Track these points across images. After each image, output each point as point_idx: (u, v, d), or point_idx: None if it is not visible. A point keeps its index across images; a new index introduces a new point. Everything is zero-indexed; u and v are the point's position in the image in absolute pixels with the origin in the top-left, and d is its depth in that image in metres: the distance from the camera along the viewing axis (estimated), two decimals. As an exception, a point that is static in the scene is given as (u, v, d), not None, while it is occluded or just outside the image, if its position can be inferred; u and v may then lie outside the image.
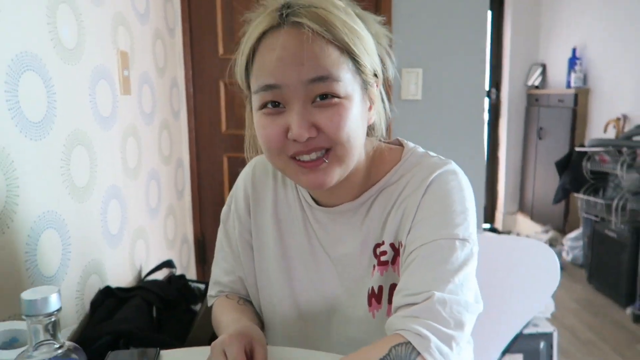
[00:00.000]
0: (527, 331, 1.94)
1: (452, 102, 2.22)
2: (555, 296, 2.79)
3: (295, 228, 0.83)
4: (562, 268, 3.52)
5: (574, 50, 3.92)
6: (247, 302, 0.90)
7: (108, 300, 1.22)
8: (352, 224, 0.78)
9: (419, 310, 0.61)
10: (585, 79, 3.88)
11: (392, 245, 0.75)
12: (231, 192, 0.92)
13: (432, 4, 2.16)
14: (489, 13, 4.59)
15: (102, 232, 1.32)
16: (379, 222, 0.76)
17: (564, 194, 3.41)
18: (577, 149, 3.26)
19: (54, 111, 1.08)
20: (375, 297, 0.76)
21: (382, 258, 0.75)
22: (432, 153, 0.79)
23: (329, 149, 0.67)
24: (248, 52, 0.68)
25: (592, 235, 3.13)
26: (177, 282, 1.47)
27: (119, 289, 1.29)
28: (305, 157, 0.67)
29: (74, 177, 1.16)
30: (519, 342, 1.95)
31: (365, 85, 0.69)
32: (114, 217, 1.39)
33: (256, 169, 0.89)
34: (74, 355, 0.50)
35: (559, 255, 3.53)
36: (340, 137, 0.66)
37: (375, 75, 0.72)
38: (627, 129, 3.27)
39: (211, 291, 0.93)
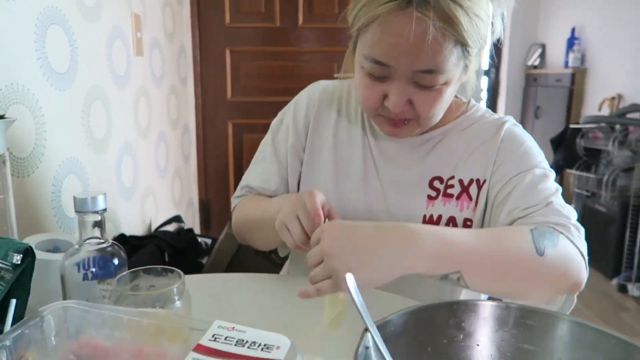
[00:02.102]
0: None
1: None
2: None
3: (352, 156, 0.88)
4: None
5: (572, 31, 3.97)
6: None
7: (123, 246, 1.31)
8: (415, 155, 0.86)
9: (544, 212, 0.69)
10: (582, 59, 3.94)
11: (460, 181, 0.82)
12: (287, 107, 0.95)
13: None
14: (491, -8, 4.61)
15: (117, 184, 1.40)
16: (447, 159, 0.84)
17: (557, 171, 3.50)
18: (572, 125, 3.34)
19: (76, 65, 1.15)
20: (432, 223, 0.82)
21: (449, 191, 0.83)
22: (490, 111, 0.89)
23: (412, 119, 0.76)
24: (367, 20, 0.69)
25: (583, 209, 3.23)
26: (186, 235, 1.56)
27: (132, 237, 1.38)
28: (392, 116, 0.75)
29: (93, 129, 1.24)
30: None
31: (467, 65, 0.73)
32: (128, 172, 1.48)
33: (324, 94, 0.93)
34: (117, 250, 0.59)
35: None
36: (427, 115, 0.74)
37: (482, 47, 0.75)
38: (621, 107, 3.35)
39: (237, 193, 0.96)
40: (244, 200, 0.94)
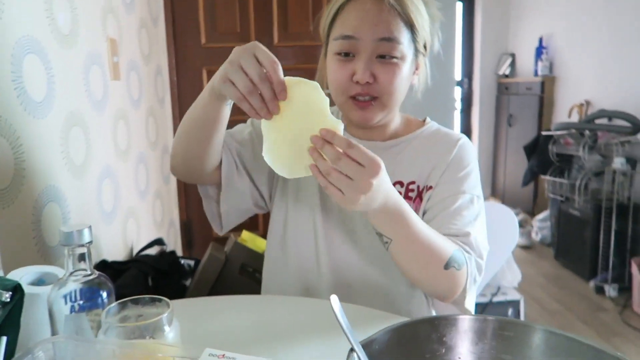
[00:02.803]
0: (496, 299, 2.09)
1: (424, 92, 2.33)
2: (523, 271, 2.96)
3: None
4: (531, 247, 3.70)
5: (540, 40, 4.09)
6: None
7: (105, 272, 1.30)
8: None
9: (461, 241, 0.84)
10: (551, 67, 4.06)
11: (418, 187, 0.94)
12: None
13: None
14: (460, 5, 4.74)
15: (97, 209, 1.39)
16: (407, 166, 0.95)
17: (531, 177, 3.59)
18: (544, 132, 3.44)
19: (54, 92, 1.15)
20: None
21: (410, 194, 0.95)
22: (444, 127, 1.02)
23: (377, 97, 0.87)
24: (337, 8, 0.87)
25: (558, 214, 3.31)
26: (168, 257, 1.55)
27: (114, 262, 1.37)
28: (360, 98, 0.87)
29: (72, 155, 1.23)
30: (488, 309, 2.10)
31: (416, 52, 0.89)
32: (108, 196, 1.47)
33: None
34: (103, 281, 0.60)
35: (529, 235, 3.72)
36: (389, 88, 0.86)
37: (425, 47, 0.92)
38: (589, 113, 3.46)
39: None
40: None
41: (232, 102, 0.79)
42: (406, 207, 0.76)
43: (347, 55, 0.86)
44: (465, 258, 0.82)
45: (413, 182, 0.94)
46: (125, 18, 1.71)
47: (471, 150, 0.96)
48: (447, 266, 0.79)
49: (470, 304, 0.86)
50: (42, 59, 1.11)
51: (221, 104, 0.79)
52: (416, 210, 0.91)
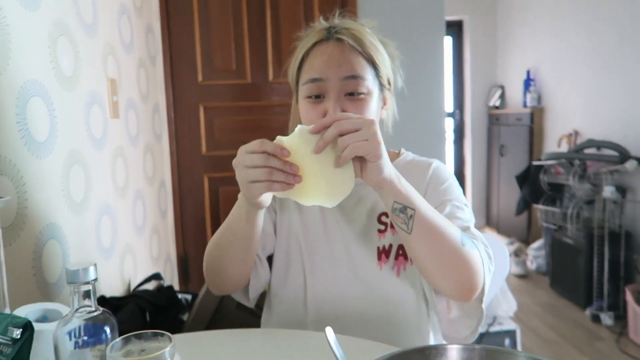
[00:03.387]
0: (492, 329, 2.10)
1: (415, 123, 2.41)
2: (519, 300, 2.96)
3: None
4: (527, 276, 3.72)
5: (528, 72, 4.21)
6: None
7: (104, 308, 1.31)
8: (360, 196, 1.00)
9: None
10: (539, 99, 4.17)
11: None
12: None
13: (391, 30, 2.36)
14: (449, 39, 4.89)
15: (96, 245, 1.41)
16: None
17: (524, 206, 3.63)
18: (534, 162, 3.50)
19: (56, 132, 1.19)
20: (385, 252, 0.97)
21: None
22: (418, 156, 1.08)
23: None
24: (302, 55, 0.94)
25: (552, 243, 3.34)
26: (165, 292, 1.56)
27: (112, 298, 1.38)
28: None
29: (72, 193, 1.26)
30: (485, 339, 2.10)
31: (381, 88, 0.96)
32: (106, 232, 1.49)
33: None
34: (107, 317, 0.62)
35: (524, 264, 3.73)
36: None
37: (389, 82, 0.98)
38: (578, 142, 3.54)
39: None
40: None
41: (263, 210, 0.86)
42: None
43: (317, 97, 0.91)
44: (472, 240, 0.83)
45: None
46: (125, 58, 1.77)
47: (444, 170, 1.02)
48: (462, 242, 0.80)
49: (485, 303, 0.87)
50: (46, 101, 1.15)
51: (255, 213, 0.84)
52: None
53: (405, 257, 0.97)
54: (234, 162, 0.77)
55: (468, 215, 0.94)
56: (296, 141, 0.74)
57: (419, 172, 1.01)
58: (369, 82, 0.91)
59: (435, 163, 1.02)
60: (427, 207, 0.79)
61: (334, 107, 0.89)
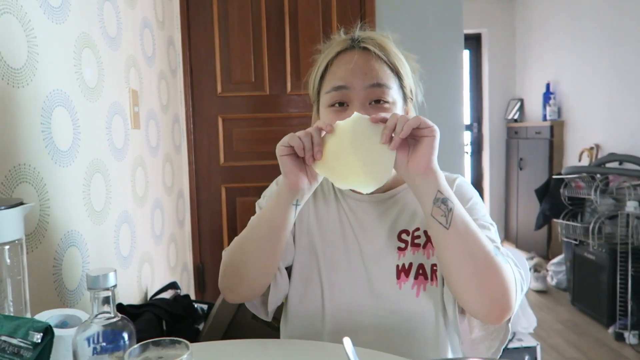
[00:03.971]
0: (512, 345, 2.05)
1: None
2: (539, 316, 2.90)
3: (330, 217, 1.01)
4: (547, 292, 3.64)
5: (547, 85, 4.17)
6: None
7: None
8: (381, 212, 0.99)
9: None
10: (559, 112, 4.12)
11: (425, 232, 0.95)
12: (270, 187, 1.07)
13: (409, 44, 2.37)
14: (467, 52, 4.88)
15: (114, 253, 1.43)
16: (408, 213, 0.98)
17: (544, 220, 3.57)
18: (554, 176, 3.45)
19: (79, 142, 1.21)
20: (404, 271, 0.94)
21: (416, 241, 0.95)
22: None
23: None
24: (325, 64, 0.94)
25: (573, 258, 3.27)
26: (182, 301, 1.57)
27: (130, 306, 1.39)
28: None
29: (93, 201, 1.28)
30: (504, 355, 2.05)
31: (405, 98, 0.95)
32: (125, 240, 1.51)
33: None
34: (126, 324, 0.63)
35: (544, 280, 3.66)
36: None
37: (411, 93, 0.98)
38: (599, 156, 3.48)
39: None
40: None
41: (299, 208, 0.88)
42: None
43: (341, 105, 0.91)
44: (504, 256, 0.81)
45: (417, 229, 0.96)
46: (147, 70, 1.81)
47: (469, 186, 0.99)
48: (495, 253, 0.79)
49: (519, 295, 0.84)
50: (70, 111, 1.17)
51: (291, 200, 0.85)
52: (428, 256, 0.94)
53: (425, 277, 0.93)
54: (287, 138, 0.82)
55: (494, 236, 0.91)
56: (349, 126, 0.80)
57: None
58: (394, 91, 0.91)
59: (459, 179, 0.99)
60: (462, 208, 0.80)
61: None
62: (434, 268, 0.93)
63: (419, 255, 0.94)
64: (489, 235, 0.88)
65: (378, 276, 0.95)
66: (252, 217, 0.98)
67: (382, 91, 0.89)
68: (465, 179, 1.01)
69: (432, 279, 0.93)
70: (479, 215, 0.92)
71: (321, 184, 1.04)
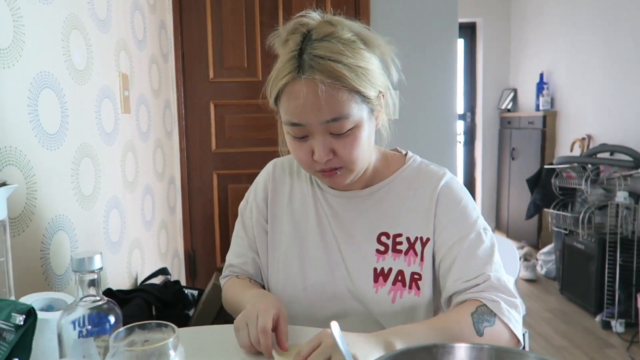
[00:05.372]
0: (500, 333, 2.07)
1: (426, 125, 2.39)
2: (528, 305, 2.94)
3: (308, 213, 0.99)
4: (536, 281, 3.68)
5: (541, 76, 4.17)
6: (257, 283, 1.03)
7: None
8: (360, 210, 0.96)
9: (483, 287, 0.82)
10: (552, 103, 4.13)
11: (408, 239, 0.92)
12: (250, 188, 1.08)
13: (405, 34, 2.35)
14: (462, 41, 4.86)
15: (104, 238, 1.42)
16: (390, 215, 0.94)
17: (535, 210, 3.59)
18: (546, 166, 3.46)
19: (67, 125, 1.19)
20: (383, 275, 0.92)
21: (398, 247, 0.92)
22: (426, 161, 1.00)
23: (342, 167, 0.86)
24: (276, 93, 0.83)
25: (562, 248, 3.30)
26: (172, 287, 1.56)
27: (119, 291, 1.39)
28: (325, 168, 0.86)
29: (81, 185, 1.27)
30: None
31: (371, 109, 0.85)
32: (115, 226, 1.50)
33: (276, 168, 1.06)
34: (112, 307, 0.62)
35: (533, 269, 3.70)
36: (351, 159, 0.85)
37: (380, 92, 0.86)
38: (591, 147, 3.49)
39: (224, 273, 1.07)
40: (228, 282, 1.04)
41: None
42: (398, 330, 0.76)
43: (302, 138, 0.84)
44: (490, 309, 0.78)
45: (400, 235, 0.93)
46: (137, 54, 1.78)
47: (457, 186, 0.94)
48: (479, 332, 0.77)
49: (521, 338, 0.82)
50: (57, 94, 1.15)
51: None
52: (409, 263, 0.91)
53: (404, 284, 0.90)
54: (246, 314, 0.80)
55: (487, 244, 0.87)
56: None
57: (428, 184, 0.94)
58: (355, 114, 0.81)
59: (446, 178, 0.94)
60: (426, 332, 0.75)
61: (320, 151, 0.82)
62: (415, 277, 0.91)
63: (400, 261, 0.92)
64: (482, 252, 0.85)
65: (355, 276, 0.93)
66: (228, 285, 1.02)
67: (340, 124, 0.80)
68: (451, 176, 0.96)
69: (410, 287, 0.90)
70: (468, 224, 0.89)
71: (298, 171, 1.03)
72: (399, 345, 0.70)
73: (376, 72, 0.84)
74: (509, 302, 0.80)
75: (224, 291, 1.04)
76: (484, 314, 0.78)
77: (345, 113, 0.80)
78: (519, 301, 0.83)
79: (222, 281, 1.07)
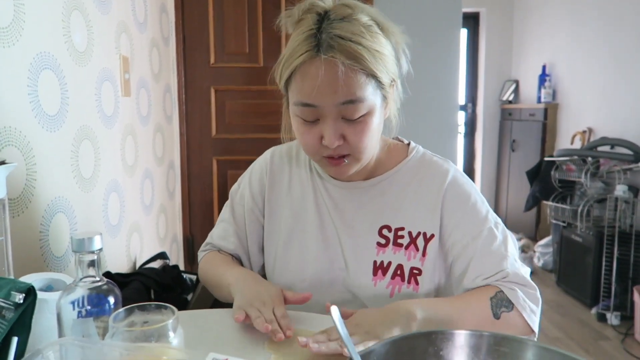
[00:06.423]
0: (496, 323, 2.08)
1: (427, 116, 2.38)
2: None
3: (307, 203, 0.97)
4: (533, 273, 3.68)
5: (543, 68, 4.15)
6: (239, 262, 1.04)
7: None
8: (361, 202, 0.94)
9: (501, 283, 0.83)
10: (554, 95, 4.11)
11: (410, 233, 0.91)
12: (244, 174, 1.06)
13: (407, 22, 2.33)
14: (465, 32, 4.83)
15: (103, 221, 1.42)
16: (393, 208, 0.93)
17: (534, 202, 3.60)
18: (546, 158, 3.46)
19: (67, 107, 1.19)
20: (382, 269, 0.91)
21: (399, 241, 0.91)
22: (429, 152, 0.98)
23: (349, 154, 0.84)
24: (289, 72, 0.80)
25: (560, 240, 3.31)
26: (171, 271, 1.57)
27: (118, 274, 1.39)
28: (333, 155, 0.84)
29: (81, 168, 1.26)
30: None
31: (384, 96, 0.84)
32: (114, 209, 1.50)
33: (274, 157, 1.04)
34: (111, 288, 0.62)
35: (531, 261, 3.71)
36: (360, 147, 0.83)
37: (393, 80, 0.86)
38: (592, 140, 3.49)
39: (203, 247, 1.07)
40: (206, 256, 1.04)
41: None
42: (420, 301, 0.79)
43: (312, 122, 0.81)
44: (508, 296, 0.81)
45: (402, 229, 0.91)
46: (138, 37, 1.77)
47: (463, 181, 0.93)
48: (496, 316, 0.79)
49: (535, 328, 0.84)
50: (58, 75, 1.14)
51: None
52: (409, 258, 0.90)
53: (403, 279, 0.90)
54: (252, 300, 0.81)
55: (500, 238, 0.86)
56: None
57: (432, 178, 0.92)
58: (369, 99, 0.79)
59: (452, 173, 0.92)
60: (452, 315, 0.78)
61: (331, 135, 0.79)
62: (414, 271, 0.90)
63: (400, 255, 0.91)
64: (497, 247, 0.86)
65: (353, 269, 0.93)
66: (209, 257, 1.02)
67: (354, 107, 0.78)
68: (456, 168, 0.95)
69: (409, 282, 0.90)
70: (479, 221, 0.88)
71: (297, 159, 1.02)
72: (420, 315, 0.73)
73: (390, 58, 0.83)
74: (527, 293, 0.83)
75: (203, 262, 1.03)
76: (502, 299, 0.81)
77: (361, 96, 0.78)
78: (538, 293, 0.84)
79: (199, 255, 1.06)
